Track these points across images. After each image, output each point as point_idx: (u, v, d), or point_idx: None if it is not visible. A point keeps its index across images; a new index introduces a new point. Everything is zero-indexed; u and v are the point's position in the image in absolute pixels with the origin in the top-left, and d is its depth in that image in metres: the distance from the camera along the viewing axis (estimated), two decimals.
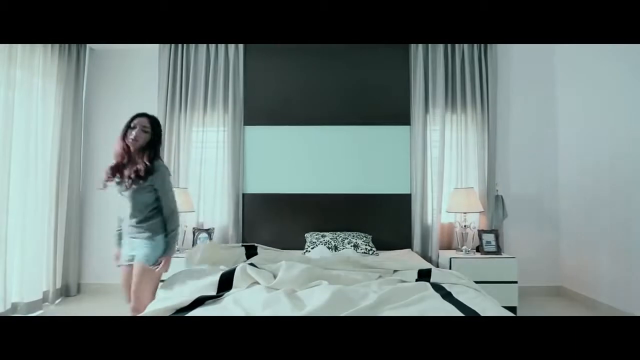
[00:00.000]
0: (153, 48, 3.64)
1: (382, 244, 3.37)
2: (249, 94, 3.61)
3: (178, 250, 3.23)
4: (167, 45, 3.60)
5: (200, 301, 1.83)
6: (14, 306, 2.83)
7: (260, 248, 3.09)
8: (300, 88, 3.61)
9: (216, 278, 2.05)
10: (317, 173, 3.57)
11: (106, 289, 3.50)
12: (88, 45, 3.64)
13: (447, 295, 1.94)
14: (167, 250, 2.00)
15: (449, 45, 3.57)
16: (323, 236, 3.24)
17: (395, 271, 2.43)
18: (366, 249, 3.14)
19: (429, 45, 3.56)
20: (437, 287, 2.07)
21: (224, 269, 2.28)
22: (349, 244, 3.14)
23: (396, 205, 3.53)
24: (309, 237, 3.31)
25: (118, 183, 1.95)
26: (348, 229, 3.42)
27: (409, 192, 3.55)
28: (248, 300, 1.84)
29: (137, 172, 1.90)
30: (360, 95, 3.59)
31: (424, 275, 2.29)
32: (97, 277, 3.56)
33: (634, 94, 2.76)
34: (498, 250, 3.19)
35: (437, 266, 3.18)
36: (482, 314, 1.64)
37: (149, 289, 1.98)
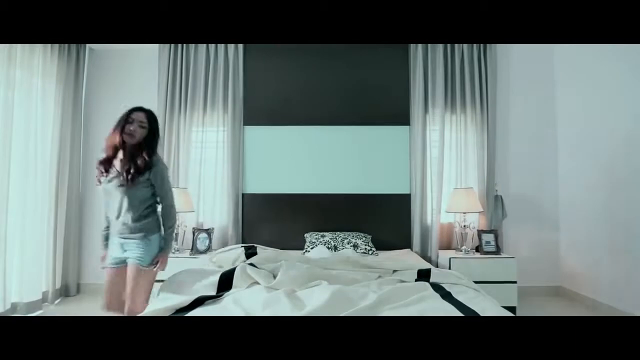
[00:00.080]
0: (153, 48, 3.64)
1: (381, 244, 3.37)
2: (248, 93, 3.61)
3: (178, 250, 3.23)
4: (167, 45, 3.60)
5: (200, 301, 1.83)
6: (14, 306, 2.83)
7: (260, 248, 3.09)
8: (300, 88, 3.61)
9: (216, 278, 2.05)
10: (316, 173, 3.58)
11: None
12: (88, 45, 3.64)
13: (446, 295, 1.94)
14: (165, 248, 1.94)
15: (449, 45, 3.57)
16: (323, 236, 3.24)
17: (394, 271, 2.43)
18: (366, 249, 3.14)
19: (429, 45, 3.56)
20: (437, 287, 2.07)
21: (224, 268, 2.28)
22: (348, 244, 3.15)
23: (396, 205, 3.53)
24: (309, 237, 3.31)
25: (111, 178, 1.85)
26: (348, 229, 3.42)
27: (408, 192, 3.55)
28: (248, 300, 1.84)
29: (136, 166, 1.83)
30: (360, 95, 3.60)
31: (423, 275, 2.29)
32: (97, 277, 3.55)
33: (633, 94, 2.76)
34: (497, 250, 3.19)
35: (437, 266, 3.18)
36: (481, 314, 1.64)
37: (145, 291, 1.91)
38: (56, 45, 3.25)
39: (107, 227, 1.99)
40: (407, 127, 3.58)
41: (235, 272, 2.11)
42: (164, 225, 1.95)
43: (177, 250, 3.23)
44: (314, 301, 1.77)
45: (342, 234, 3.26)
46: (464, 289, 2.08)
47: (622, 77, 2.88)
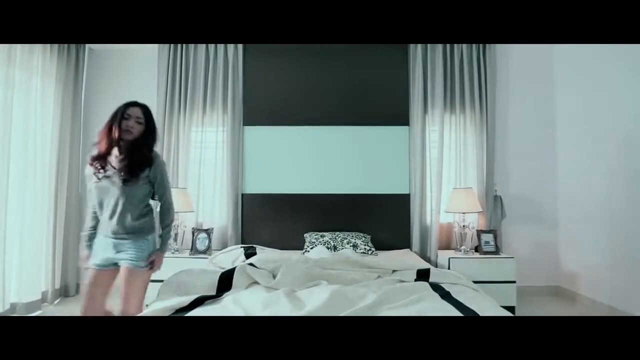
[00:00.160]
0: (152, 48, 3.64)
1: (381, 244, 3.37)
2: (248, 94, 3.61)
3: (177, 251, 3.23)
4: (167, 45, 3.60)
5: (199, 301, 1.83)
6: (13, 306, 2.83)
7: (259, 248, 3.10)
8: (299, 88, 3.61)
9: (216, 278, 2.05)
10: (316, 173, 3.58)
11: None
12: (87, 45, 3.63)
13: (445, 295, 1.94)
14: (162, 246, 1.87)
15: (448, 46, 3.57)
16: (322, 236, 3.24)
17: (394, 271, 2.43)
18: (365, 249, 3.14)
19: (428, 45, 3.56)
20: (436, 287, 2.08)
21: (223, 268, 2.28)
22: (348, 244, 3.15)
23: (395, 205, 3.53)
24: (308, 237, 3.32)
25: (108, 176, 1.76)
26: (347, 229, 3.42)
27: (407, 192, 3.56)
28: (247, 300, 1.84)
29: (137, 163, 1.77)
30: (360, 95, 3.60)
31: (422, 275, 2.29)
32: None
33: (633, 94, 2.77)
34: (497, 250, 3.20)
35: (436, 266, 3.18)
36: (480, 314, 1.64)
37: (141, 293, 1.84)
38: (55, 45, 3.25)
39: (93, 227, 1.88)
40: (407, 127, 3.59)
41: (235, 272, 2.12)
42: (161, 223, 1.88)
43: (177, 251, 3.23)
44: (314, 301, 1.77)
45: (341, 234, 3.27)
46: (463, 289, 2.09)
47: (621, 77, 2.88)
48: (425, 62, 3.57)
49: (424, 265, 2.57)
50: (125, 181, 1.74)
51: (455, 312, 1.67)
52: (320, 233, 3.32)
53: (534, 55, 3.68)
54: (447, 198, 3.41)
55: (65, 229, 3.35)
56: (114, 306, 1.91)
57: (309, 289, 2.04)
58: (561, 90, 3.59)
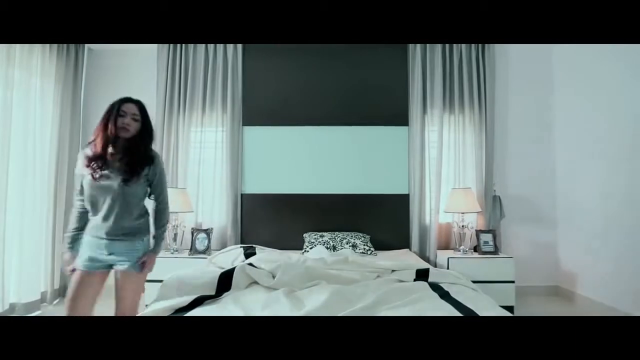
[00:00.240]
0: (151, 48, 3.64)
1: (380, 244, 3.38)
2: (247, 94, 3.62)
3: (177, 251, 3.24)
4: (166, 45, 3.60)
5: (199, 301, 1.84)
6: (12, 306, 2.83)
7: (259, 248, 3.10)
8: (299, 88, 3.61)
9: (215, 278, 2.05)
10: (315, 173, 3.58)
11: (107, 289, 3.48)
12: (86, 45, 3.63)
13: (445, 295, 1.95)
14: (156, 248, 1.79)
15: (447, 46, 3.58)
16: (321, 236, 3.25)
17: (393, 271, 2.44)
18: (364, 249, 3.14)
19: (427, 45, 3.57)
20: (435, 287, 2.08)
21: (223, 268, 2.28)
22: (347, 244, 3.15)
23: (394, 205, 3.53)
24: (308, 237, 3.32)
25: (106, 175, 1.68)
26: (346, 229, 3.43)
27: (407, 193, 3.56)
28: (247, 300, 1.85)
29: (137, 161, 1.71)
30: (359, 95, 3.60)
31: (422, 275, 2.30)
32: None
33: (633, 94, 2.77)
34: (495, 250, 3.20)
35: (435, 266, 3.19)
36: (479, 314, 1.65)
37: (138, 296, 1.79)
38: (55, 45, 3.24)
39: (80, 228, 1.76)
40: (406, 127, 3.59)
41: (235, 272, 2.12)
42: (156, 224, 1.81)
43: (176, 251, 3.23)
44: (313, 301, 1.78)
45: (341, 234, 3.27)
46: (462, 289, 2.09)
47: (620, 77, 2.88)
48: (425, 62, 3.57)
49: (423, 265, 2.58)
50: (125, 181, 1.67)
51: (454, 312, 1.68)
52: (320, 233, 3.32)
53: (533, 56, 3.69)
54: (446, 198, 3.41)
55: (64, 229, 3.34)
56: (108, 310, 1.82)
57: (309, 289, 2.05)
58: (560, 90, 3.60)
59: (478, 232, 3.27)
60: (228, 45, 3.59)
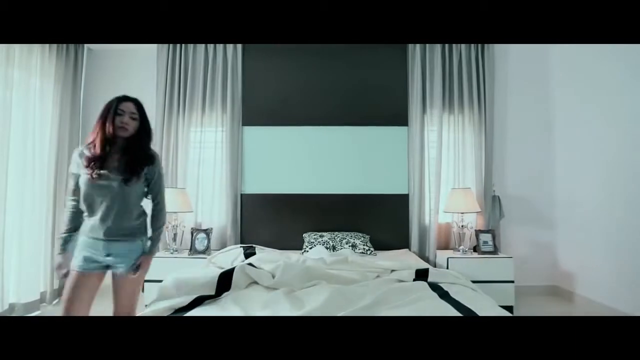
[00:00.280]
0: (151, 48, 3.64)
1: (380, 244, 3.38)
2: (247, 94, 3.62)
3: (176, 251, 3.23)
4: (165, 45, 3.60)
5: (199, 301, 1.84)
6: (11, 307, 2.82)
7: (259, 248, 3.11)
8: (299, 88, 3.61)
9: (215, 278, 2.05)
10: (315, 173, 3.58)
11: (103, 290, 3.48)
12: (86, 45, 3.63)
13: (444, 295, 1.95)
14: (152, 249, 1.75)
15: (447, 46, 3.58)
16: (321, 236, 3.25)
17: (392, 271, 2.44)
18: (364, 249, 3.15)
19: (427, 45, 3.57)
20: (435, 287, 2.08)
21: (222, 269, 2.28)
22: (347, 244, 3.15)
23: (394, 205, 3.54)
24: (307, 237, 3.32)
25: (105, 175, 1.64)
26: (346, 229, 3.43)
27: (406, 193, 3.56)
28: (247, 300, 1.85)
29: (138, 161, 1.68)
30: (359, 95, 3.60)
31: (421, 275, 2.30)
32: None
33: (632, 94, 2.77)
34: (495, 250, 3.21)
35: (435, 266, 3.19)
36: (479, 314, 1.65)
37: (136, 298, 1.76)
38: (54, 45, 3.24)
39: (74, 229, 1.72)
40: (406, 127, 3.60)
41: (234, 272, 2.12)
42: (153, 225, 1.78)
43: (176, 251, 3.23)
44: (313, 301, 1.78)
45: (340, 234, 3.27)
46: (461, 289, 2.09)
47: (619, 77, 2.89)
48: (424, 62, 3.58)
49: (423, 265, 2.58)
50: (126, 180, 1.64)
51: (453, 312, 1.68)
52: (320, 233, 3.32)
53: (532, 56, 3.69)
54: (446, 198, 3.42)
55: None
56: (105, 312, 1.79)
57: (308, 288, 2.05)
58: (559, 90, 3.60)
59: (477, 232, 3.28)
60: (228, 45, 3.59)
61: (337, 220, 3.49)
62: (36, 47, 3.07)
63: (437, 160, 3.49)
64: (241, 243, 3.41)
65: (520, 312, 3.01)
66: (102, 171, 1.63)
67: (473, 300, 1.87)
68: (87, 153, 1.65)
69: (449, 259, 3.08)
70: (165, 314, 1.71)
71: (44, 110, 3.17)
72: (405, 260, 2.77)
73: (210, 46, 3.61)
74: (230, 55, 3.57)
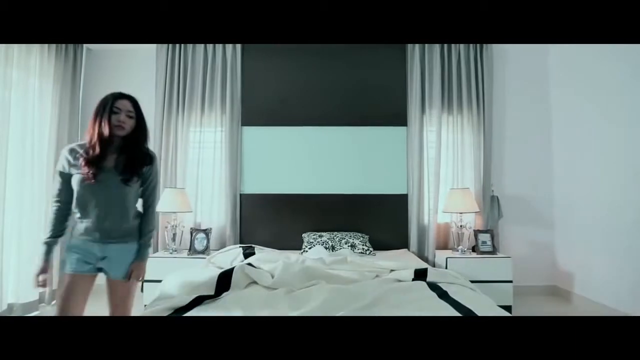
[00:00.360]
0: (150, 48, 3.64)
1: (379, 244, 3.39)
2: (246, 94, 3.62)
3: (175, 251, 3.23)
4: (165, 45, 3.60)
5: (198, 301, 1.84)
6: (10, 307, 2.82)
7: (258, 248, 3.11)
8: (298, 88, 3.62)
9: (214, 278, 2.06)
10: (314, 173, 3.59)
11: (102, 290, 3.48)
12: (85, 45, 3.62)
13: (443, 295, 1.95)
14: (144, 255, 1.71)
15: (445, 46, 3.59)
16: (320, 236, 3.25)
17: (391, 271, 2.45)
18: (363, 249, 3.15)
19: (425, 45, 3.58)
20: (434, 287, 2.09)
21: (222, 268, 2.28)
22: (346, 244, 3.16)
23: (393, 205, 3.54)
24: (307, 237, 3.32)
25: (101, 175, 1.59)
26: (345, 229, 3.43)
27: (405, 193, 3.57)
28: (246, 300, 1.85)
29: (136, 160, 1.65)
30: (358, 95, 3.61)
31: (420, 274, 2.30)
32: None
33: (631, 94, 2.78)
34: (494, 250, 3.22)
35: (434, 266, 3.20)
36: (478, 313, 1.65)
37: (131, 302, 1.73)
38: (53, 45, 3.24)
39: (58, 234, 1.65)
40: (405, 127, 3.60)
41: (234, 272, 2.12)
42: (144, 228, 1.72)
43: (175, 251, 3.23)
44: (312, 301, 1.78)
45: (339, 234, 3.28)
46: (460, 289, 2.10)
47: (619, 77, 2.89)
48: (423, 62, 3.58)
49: (422, 265, 2.59)
50: (125, 180, 1.60)
51: (452, 312, 1.69)
52: (319, 233, 3.32)
53: (531, 56, 3.70)
54: (445, 198, 3.42)
55: None
56: (101, 313, 1.77)
57: (307, 288, 2.05)
58: (558, 90, 3.61)
59: (476, 232, 3.29)
60: (227, 45, 3.59)
61: (336, 220, 3.49)
62: (35, 47, 3.06)
63: (436, 161, 3.50)
64: (240, 243, 3.41)
65: (518, 312, 3.02)
66: (98, 172, 1.57)
67: (472, 300, 1.87)
68: (81, 152, 1.60)
69: (448, 259, 3.08)
70: (165, 314, 1.71)
71: (43, 110, 3.17)
72: (404, 260, 2.78)
73: (210, 46, 3.61)
74: (229, 55, 3.58)
